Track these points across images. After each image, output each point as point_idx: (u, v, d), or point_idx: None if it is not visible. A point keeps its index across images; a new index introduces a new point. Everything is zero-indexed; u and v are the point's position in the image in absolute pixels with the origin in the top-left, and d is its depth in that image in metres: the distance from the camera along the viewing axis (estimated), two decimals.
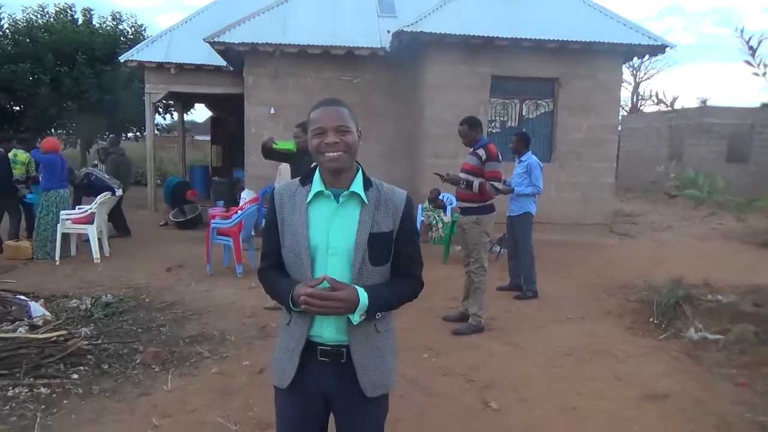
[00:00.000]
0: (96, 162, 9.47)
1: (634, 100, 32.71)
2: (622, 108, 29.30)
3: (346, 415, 1.82)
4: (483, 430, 3.29)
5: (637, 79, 32.86)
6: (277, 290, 1.78)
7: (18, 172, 8.36)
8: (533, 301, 6.10)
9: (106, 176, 9.05)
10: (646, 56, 11.21)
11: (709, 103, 24.49)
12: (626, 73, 32.05)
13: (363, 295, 1.67)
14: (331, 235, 1.71)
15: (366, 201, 1.74)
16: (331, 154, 1.69)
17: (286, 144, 5.14)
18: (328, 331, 1.75)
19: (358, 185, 1.75)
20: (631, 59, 11.33)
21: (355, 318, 1.70)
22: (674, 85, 53.76)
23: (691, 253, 9.16)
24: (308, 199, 1.74)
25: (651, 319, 5.41)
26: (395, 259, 1.80)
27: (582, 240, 9.91)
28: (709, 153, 17.86)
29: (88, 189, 8.82)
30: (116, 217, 9.49)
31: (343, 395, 1.78)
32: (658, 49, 10.22)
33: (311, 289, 1.61)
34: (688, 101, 44.09)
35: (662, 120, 19.31)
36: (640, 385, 3.89)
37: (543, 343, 4.76)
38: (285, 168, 8.09)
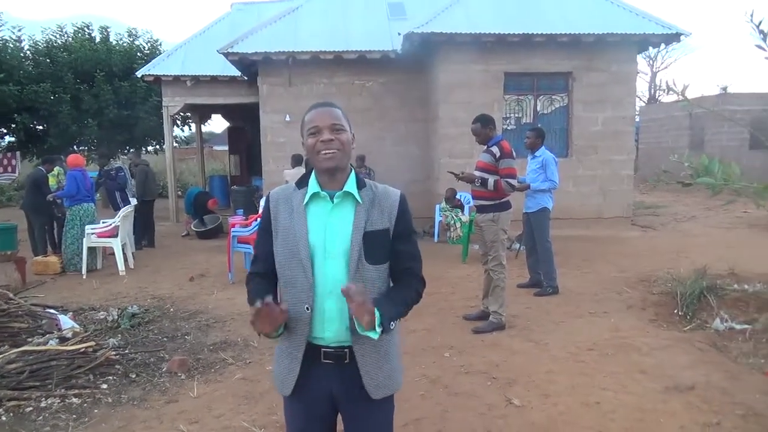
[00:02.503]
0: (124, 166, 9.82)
1: (652, 90, 32.23)
2: (640, 99, 28.95)
3: (352, 416, 1.83)
4: (506, 427, 3.29)
5: (654, 69, 32.40)
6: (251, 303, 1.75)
7: (51, 182, 8.91)
8: (554, 297, 6.06)
9: (131, 182, 9.36)
10: (662, 45, 11.05)
11: (730, 89, 24.02)
12: (643, 63, 31.69)
13: (376, 310, 1.65)
14: (328, 236, 1.74)
15: (360, 200, 1.77)
16: (327, 153, 1.72)
17: None
18: (329, 331, 1.75)
19: (351, 185, 1.78)
20: (646, 49, 11.21)
21: (376, 333, 1.66)
22: (694, 73, 52.85)
23: (715, 242, 9.00)
24: (305, 201, 1.77)
25: (675, 311, 5.34)
26: (394, 257, 1.81)
27: (602, 234, 9.83)
28: (731, 141, 17.54)
29: (110, 181, 9.16)
30: (148, 227, 9.74)
31: (348, 396, 1.79)
32: (672, 37, 10.10)
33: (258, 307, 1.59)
34: (708, 89, 43.31)
35: (681, 110, 19.01)
36: (665, 378, 3.85)
37: (565, 339, 4.73)
38: (292, 174, 8.20)
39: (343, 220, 1.76)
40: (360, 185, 1.79)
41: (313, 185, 1.78)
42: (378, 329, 1.66)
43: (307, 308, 1.74)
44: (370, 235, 1.75)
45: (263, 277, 1.85)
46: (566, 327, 5.09)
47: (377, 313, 1.64)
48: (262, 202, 7.58)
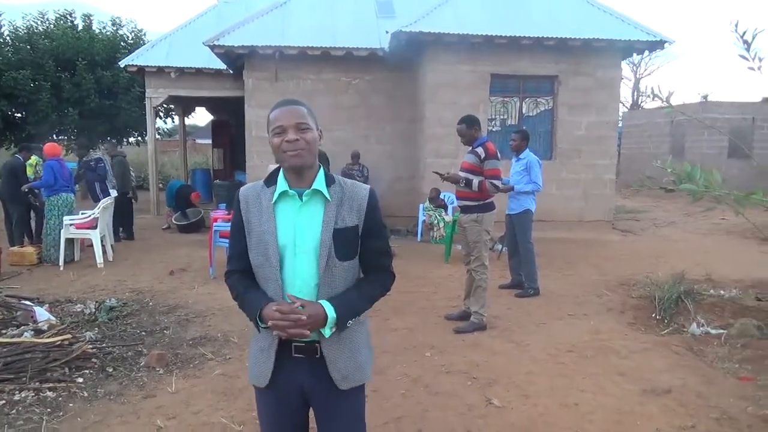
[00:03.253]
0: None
1: (635, 96, 32.66)
2: (623, 105, 29.31)
3: (322, 408, 1.85)
4: (485, 427, 3.30)
5: (638, 76, 32.83)
6: (245, 303, 1.81)
7: (28, 171, 8.69)
8: (535, 299, 6.11)
9: (111, 173, 9.25)
10: (646, 52, 11.19)
11: (710, 98, 24.42)
12: (626, 69, 32.06)
13: (330, 309, 1.71)
14: (298, 234, 1.75)
15: (329, 198, 1.77)
16: (293, 152, 1.72)
17: None
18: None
19: (320, 183, 1.78)
20: (631, 55, 11.35)
21: (326, 332, 1.73)
22: (676, 80, 53.61)
23: (693, 248, 9.15)
24: (273, 200, 1.78)
25: (653, 315, 5.42)
26: (364, 252, 1.83)
27: (584, 237, 9.94)
28: (710, 148, 17.83)
29: (90, 173, 9.01)
30: (125, 219, 9.63)
31: (318, 389, 1.82)
32: (656, 44, 10.23)
33: (295, 315, 1.65)
34: (689, 96, 44.02)
35: (663, 116, 19.29)
36: (642, 381, 3.90)
37: (545, 341, 4.77)
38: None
39: (312, 217, 1.76)
40: (329, 182, 1.80)
41: (281, 183, 1.78)
42: (330, 329, 1.72)
43: None
44: (340, 232, 1.76)
45: (244, 275, 1.86)
46: (547, 328, 5.14)
47: (332, 315, 1.70)
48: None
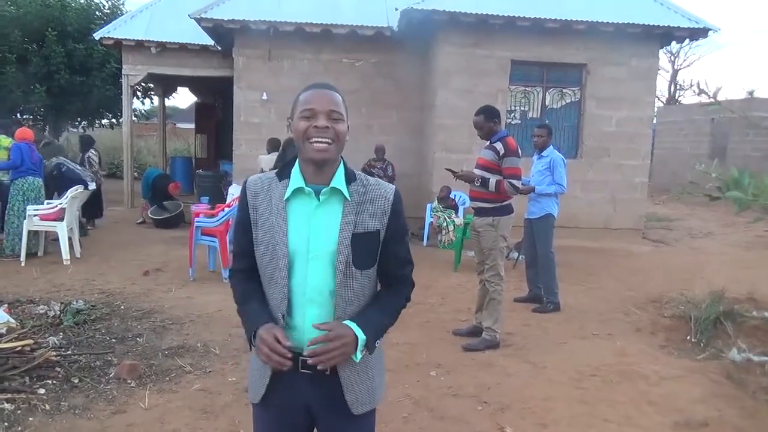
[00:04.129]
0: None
1: (672, 90, 32.65)
2: (658, 99, 29.27)
3: (331, 430, 1.85)
4: None
5: (676, 67, 32.80)
6: (243, 315, 1.81)
7: (2, 156, 8.73)
8: (555, 315, 6.10)
9: (79, 168, 9.20)
10: (686, 40, 11.18)
11: (756, 94, 24.41)
12: (663, 59, 32.05)
13: (358, 331, 1.71)
14: (312, 237, 1.73)
15: (348, 198, 1.75)
16: (320, 142, 1.69)
17: None
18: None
19: (339, 180, 1.76)
20: (669, 44, 11.34)
21: (357, 356, 1.73)
22: (718, 73, 53.64)
23: (733, 263, 9.14)
24: (286, 197, 1.75)
25: (688, 338, 5.41)
26: (384, 260, 1.83)
27: (610, 246, 9.93)
28: (755, 150, 17.82)
29: (58, 181, 8.93)
30: (91, 207, 9.63)
31: (327, 410, 1.81)
32: (699, 32, 10.23)
33: (283, 350, 1.64)
34: (733, 92, 44.02)
35: (703, 113, 19.28)
36: (675, 411, 3.89)
37: (565, 362, 4.76)
38: (267, 160, 8.14)
39: (330, 219, 1.74)
40: (350, 179, 1.78)
41: (296, 178, 1.76)
42: (360, 353, 1.72)
43: (282, 316, 1.75)
44: (360, 237, 1.74)
45: (250, 276, 1.85)
46: (567, 349, 5.13)
47: (362, 337, 1.70)
48: (232, 190, 7.56)
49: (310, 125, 1.70)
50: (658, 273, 8.26)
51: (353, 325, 1.71)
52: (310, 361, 1.68)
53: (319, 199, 1.74)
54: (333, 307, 1.74)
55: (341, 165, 1.79)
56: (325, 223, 1.74)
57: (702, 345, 5.24)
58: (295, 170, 1.77)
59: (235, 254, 1.89)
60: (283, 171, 1.80)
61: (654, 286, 7.37)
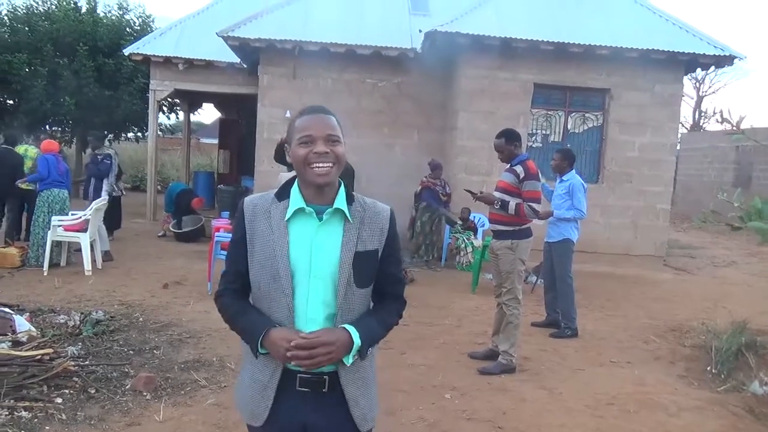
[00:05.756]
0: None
1: (696, 116, 32.37)
2: (682, 125, 29.04)
3: None
4: None
5: (701, 93, 32.56)
6: (244, 324, 1.80)
7: (28, 165, 9.15)
8: (572, 341, 6.03)
9: (114, 173, 9.57)
10: (711, 67, 11.12)
11: None
12: (688, 85, 31.86)
13: (355, 335, 1.73)
14: (314, 257, 1.75)
15: (350, 218, 1.78)
16: (321, 167, 1.72)
17: None
18: None
19: (341, 201, 1.79)
20: (694, 70, 11.28)
21: (349, 360, 1.75)
22: (744, 100, 53.13)
23: (757, 293, 8.98)
24: (287, 217, 1.77)
25: (708, 368, 5.31)
26: (379, 278, 1.85)
27: (631, 273, 9.82)
28: None
29: (92, 166, 9.37)
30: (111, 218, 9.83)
31: (329, 428, 1.80)
32: (725, 59, 10.16)
33: (298, 339, 1.66)
34: (760, 119, 43.51)
35: (728, 140, 19.08)
36: None
37: (582, 390, 4.71)
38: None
39: (331, 239, 1.77)
40: (349, 200, 1.81)
41: (296, 199, 1.78)
42: (352, 357, 1.74)
43: None
44: (361, 256, 1.78)
45: (242, 295, 1.86)
46: (584, 376, 5.07)
47: (357, 341, 1.72)
48: None
49: (310, 151, 1.73)
50: (679, 301, 8.15)
51: (351, 329, 1.73)
52: (293, 362, 1.69)
53: (321, 219, 1.77)
54: (333, 325, 1.76)
55: (341, 186, 1.82)
56: (328, 243, 1.76)
57: (723, 376, 5.14)
58: (295, 190, 1.80)
59: (226, 273, 1.88)
60: (282, 191, 1.83)
61: (674, 315, 7.27)
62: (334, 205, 1.77)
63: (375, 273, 1.83)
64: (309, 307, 1.75)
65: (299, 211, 1.77)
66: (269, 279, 1.77)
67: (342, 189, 1.81)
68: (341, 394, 1.79)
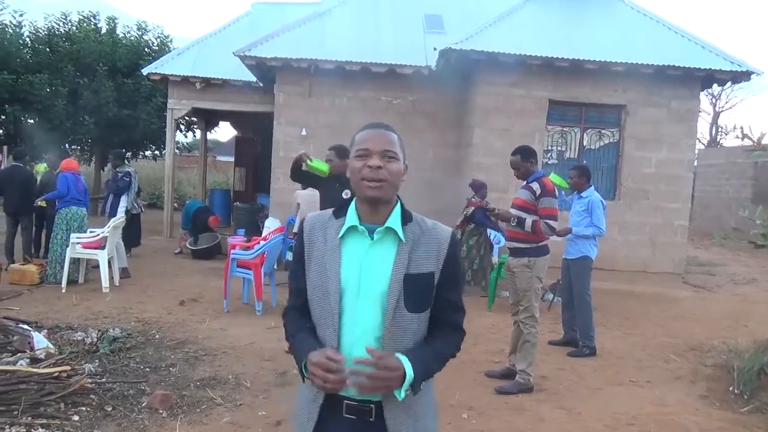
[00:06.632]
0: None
1: (713, 132, 32.11)
2: (699, 141, 28.82)
3: None
4: None
5: (717, 109, 32.32)
6: (295, 346, 1.78)
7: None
8: (591, 360, 5.95)
9: (133, 191, 9.66)
10: (728, 83, 11.04)
11: None
12: (704, 101, 31.67)
13: (408, 366, 1.65)
14: (363, 276, 1.72)
15: (402, 238, 1.74)
16: (373, 181, 1.70)
17: (321, 164, 5.03)
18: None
19: (395, 220, 1.75)
20: (710, 86, 11.22)
21: (401, 394, 1.67)
22: (761, 116, 52.67)
23: None
24: (340, 234, 1.76)
25: (731, 388, 5.20)
26: (436, 304, 1.79)
27: (649, 290, 9.70)
28: None
29: (111, 183, 9.51)
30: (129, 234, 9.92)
31: None
32: (741, 75, 10.10)
33: (333, 363, 1.59)
34: None
35: (746, 156, 18.87)
36: None
37: (600, 409, 4.63)
38: (304, 195, 8.26)
39: (382, 259, 1.73)
40: (405, 220, 1.77)
41: (351, 217, 1.76)
42: (404, 391, 1.66)
43: None
44: (412, 279, 1.72)
45: (303, 313, 1.83)
46: (603, 395, 4.99)
47: (410, 373, 1.63)
48: (268, 223, 7.60)
49: (364, 165, 1.71)
50: (698, 319, 8.03)
51: (405, 360, 1.66)
52: (349, 382, 1.61)
53: (372, 238, 1.74)
54: (380, 348, 1.70)
55: (398, 204, 1.79)
56: (378, 263, 1.73)
57: (745, 397, 5.02)
58: (351, 208, 1.78)
59: (290, 291, 1.89)
60: (340, 209, 1.81)
61: (695, 333, 7.15)
62: (386, 224, 1.74)
63: (430, 298, 1.76)
64: (356, 328, 1.72)
65: (353, 230, 1.75)
66: (320, 297, 1.75)
67: (398, 207, 1.78)
68: (385, 424, 1.73)
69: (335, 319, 1.72)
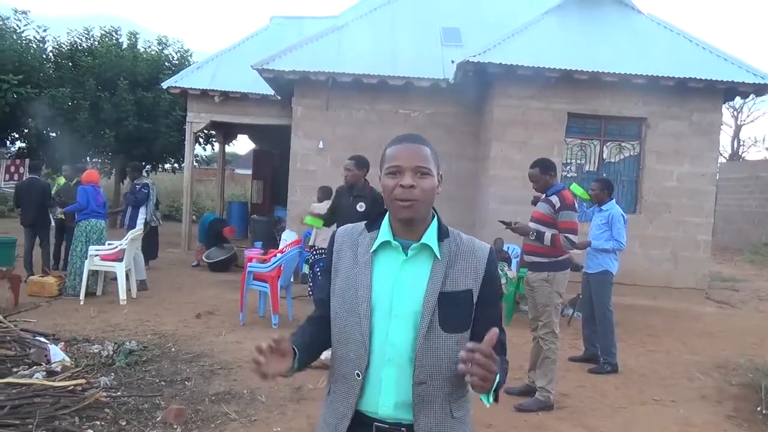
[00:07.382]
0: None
1: (735, 145, 31.70)
2: (721, 154, 28.45)
3: None
4: None
5: (739, 122, 31.94)
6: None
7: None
8: (612, 377, 5.82)
9: (152, 203, 9.71)
10: (751, 96, 10.88)
11: None
12: (726, 114, 31.30)
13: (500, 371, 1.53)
14: (396, 294, 1.64)
15: (438, 254, 1.66)
16: (405, 200, 1.61)
17: (315, 221, 6.15)
18: (385, 406, 1.63)
19: (431, 236, 1.67)
20: (733, 99, 11.07)
21: (489, 399, 1.55)
22: None
23: None
24: (373, 248, 1.68)
25: (758, 408, 5.05)
26: (477, 326, 1.67)
27: (672, 306, 9.53)
28: None
29: (129, 195, 9.54)
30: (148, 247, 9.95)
31: None
32: (764, 88, 9.93)
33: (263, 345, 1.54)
34: None
35: None
36: None
37: (623, 428, 4.52)
38: (320, 208, 8.27)
39: (416, 276, 1.65)
40: (442, 236, 1.69)
41: (384, 231, 1.68)
42: (491, 397, 1.54)
43: (358, 374, 1.64)
44: (448, 297, 1.63)
45: (318, 323, 1.77)
46: (625, 414, 4.88)
47: (498, 378, 1.49)
48: (285, 236, 7.71)
49: (397, 183, 1.62)
50: (723, 336, 7.84)
51: None
52: (460, 366, 1.42)
53: (407, 254, 1.66)
54: (413, 369, 1.61)
55: (435, 219, 1.71)
56: (411, 281, 1.64)
57: None
58: (385, 222, 1.71)
59: (315, 301, 1.86)
60: (373, 222, 1.74)
61: (720, 351, 6.99)
62: (422, 240, 1.66)
63: (468, 317, 1.65)
64: (387, 347, 1.63)
65: (386, 245, 1.69)
66: (346, 312, 1.67)
67: (434, 223, 1.70)
68: None
69: (366, 337, 1.63)
